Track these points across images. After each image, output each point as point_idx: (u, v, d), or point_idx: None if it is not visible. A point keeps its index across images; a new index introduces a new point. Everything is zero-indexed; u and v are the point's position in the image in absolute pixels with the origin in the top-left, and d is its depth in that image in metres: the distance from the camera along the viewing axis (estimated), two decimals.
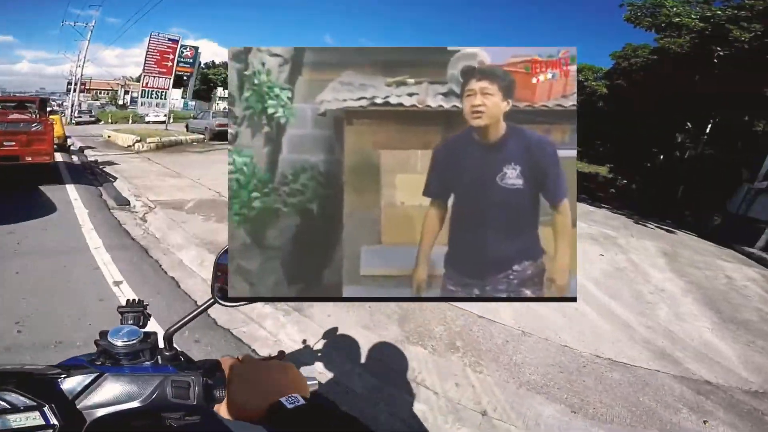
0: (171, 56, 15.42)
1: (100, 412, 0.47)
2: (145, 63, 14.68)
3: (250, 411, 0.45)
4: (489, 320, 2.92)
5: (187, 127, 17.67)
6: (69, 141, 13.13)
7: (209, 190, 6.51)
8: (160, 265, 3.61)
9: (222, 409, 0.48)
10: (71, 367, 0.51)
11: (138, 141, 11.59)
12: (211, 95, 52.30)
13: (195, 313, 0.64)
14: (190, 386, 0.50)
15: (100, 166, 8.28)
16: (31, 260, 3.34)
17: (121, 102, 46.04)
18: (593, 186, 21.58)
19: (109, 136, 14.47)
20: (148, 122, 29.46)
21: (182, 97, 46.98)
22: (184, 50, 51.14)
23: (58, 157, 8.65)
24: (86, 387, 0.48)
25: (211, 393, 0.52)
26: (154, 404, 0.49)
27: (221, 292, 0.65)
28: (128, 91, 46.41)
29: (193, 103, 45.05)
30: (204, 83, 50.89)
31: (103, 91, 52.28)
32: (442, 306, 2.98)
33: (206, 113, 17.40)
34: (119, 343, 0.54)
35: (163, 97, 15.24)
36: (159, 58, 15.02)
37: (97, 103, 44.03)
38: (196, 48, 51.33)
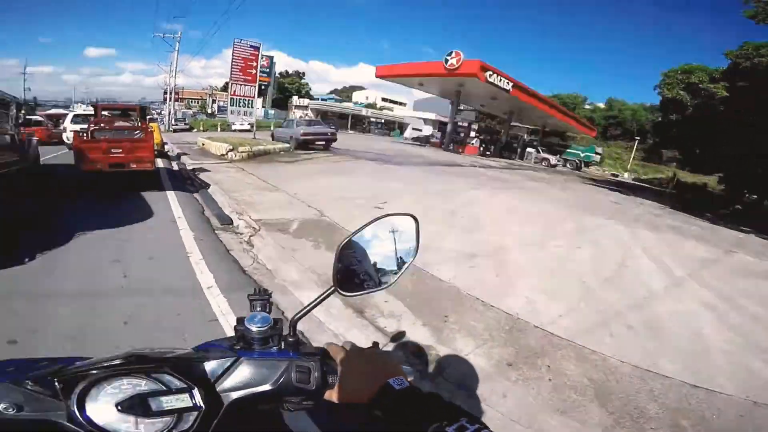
0: (254, 63, 14.95)
1: (235, 395, 0.50)
2: (231, 71, 14.39)
3: (359, 394, 0.48)
4: (707, 390, 2.37)
5: (272, 136, 17.55)
6: (167, 147, 13.79)
7: (309, 207, 5.84)
8: (283, 312, 2.82)
9: (333, 394, 0.52)
10: (211, 350, 0.55)
11: (230, 150, 11.69)
12: (288, 103, 53.52)
13: (317, 300, 0.59)
14: (310, 371, 0.52)
15: (199, 176, 8.09)
16: (139, 303, 2.74)
17: (209, 111, 48.65)
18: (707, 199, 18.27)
19: (203, 144, 14.76)
20: (235, 130, 30.91)
21: (262, 106, 48.73)
22: (261, 60, 54.92)
23: (159, 162, 8.76)
24: (225, 370, 0.51)
25: (325, 378, 0.53)
26: (280, 388, 0.51)
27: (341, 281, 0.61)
28: (215, 100, 49.13)
29: (272, 111, 46.66)
30: (280, 92, 53.21)
31: (193, 100, 55.61)
32: (639, 373, 2.49)
33: (291, 122, 16.98)
34: (254, 328, 0.55)
35: (249, 105, 15.00)
36: (243, 65, 14.60)
37: (190, 111, 46.73)
38: (271, 57, 47.60)
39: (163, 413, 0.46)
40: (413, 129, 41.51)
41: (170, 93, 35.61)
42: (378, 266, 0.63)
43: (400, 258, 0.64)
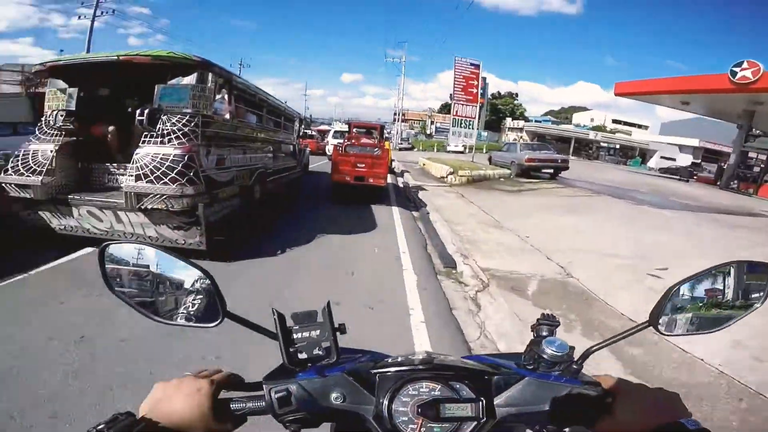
0: (474, 82, 14.41)
1: (510, 411, 0.51)
2: (453, 90, 14.15)
3: (636, 429, 0.47)
4: None
5: (490, 159, 16.45)
6: (393, 164, 15.25)
7: (548, 260, 4.35)
8: None
9: (607, 425, 0.49)
10: (500, 366, 0.57)
11: (450, 173, 11.28)
12: (501, 126, 52.00)
13: (624, 334, 0.55)
14: (590, 399, 0.51)
15: (420, 197, 7.96)
16: None
17: (428, 131, 51.92)
18: None
19: (423, 164, 14.80)
20: (450, 152, 31.73)
21: (476, 128, 50.44)
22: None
23: (388, 178, 9.32)
24: (509, 386, 0.53)
25: (601, 407, 0.51)
26: (556, 411, 0.50)
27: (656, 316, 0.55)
28: (433, 122, 52.61)
29: (485, 133, 46.84)
30: (492, 113, 51.47)
31: (415, 121, 60.94)
32: None
33: (512, 146, 15.30)
34: (550, 351, 0.55)
35: (470, 126, 14.49)
36: (464, 84, 14.25)
37: (413, 131, 51.32)
38: (484, 78, 53.61)
39: (447, 419, 0.49)
40: (662, 158, 33.06)
41: (398, 114, 40.48)
42: (707, 311, 0.57)
43: (736, 307, 0.56)
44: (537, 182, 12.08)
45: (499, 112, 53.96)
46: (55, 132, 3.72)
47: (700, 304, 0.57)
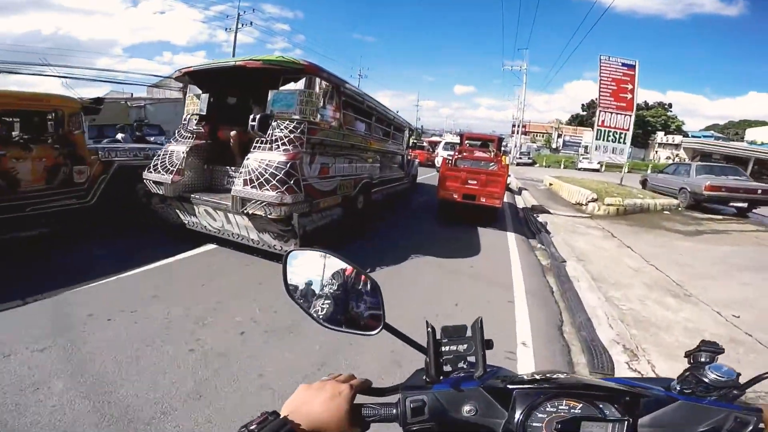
0: (629, 86, 11.43)
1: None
2: (599, 95, 11.48)
3: None
4: None
5: (644, 183, 12.78)
6: (508, 179, 13.61)
7: None
8: None
9: None
10: (648, 388, 0.55)
11: (593, 200, 8.59)
12: (649, 141, 43.51)
13: None
14: (749, 425, 0.48)
15: (551, 234, 5.97)
16: None
17: (554, 145, 45.62)
18: None
19: (550, 185, 12.51)
20: (579, 169, 28.12)
21: (628, 142, 42.77)
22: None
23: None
24: (657, 408, 0.51)
25: None
26: None
27: None
28: (560, 134, 46.07)
29: (629, 149, 39.03)
30: (639, 126, 43.36)
31: (538, 134, 53.92)
32: None
33: (683, 167, 11.26)
34: (713, 376, 0.53)
35: (621, 140, 11.60)
36: (615, 88, 11.42)
37: (534, 145, 45.72)
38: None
39: None
40: None
41: (518, 126, 35.72)
42: None
43: None
44: (721, 220, 8.69)
45: (647, 125, 44.35)
46: (188, 135, 4.07)
47: None
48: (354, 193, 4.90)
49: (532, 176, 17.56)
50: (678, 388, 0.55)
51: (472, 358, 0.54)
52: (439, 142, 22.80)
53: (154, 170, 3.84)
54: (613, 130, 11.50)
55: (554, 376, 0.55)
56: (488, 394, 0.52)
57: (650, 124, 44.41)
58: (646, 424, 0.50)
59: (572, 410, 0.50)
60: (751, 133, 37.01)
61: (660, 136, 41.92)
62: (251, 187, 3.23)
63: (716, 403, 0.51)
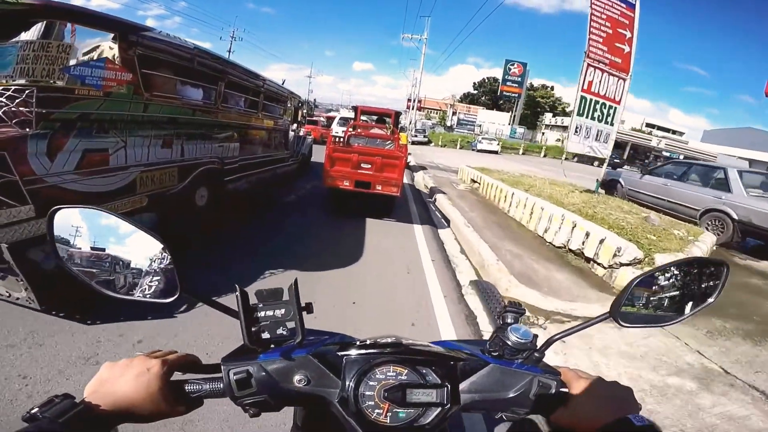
0: (627, 34, 6.91)
1: (472, 397, 0.52)
2: (588, 39, 6.49)
3: (589, 423, 0.48)
4: None
5: (607, 186, 8.93)
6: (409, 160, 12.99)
7: None
8: None
9: (561, 417, 0.51)
10: (465, 352, 0.57)
11: (636, 262, 3.84)
12: (537, 122, 45.14)
13: (585, 325, 0.58)
14: (549, 389, 0.52)
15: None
16: None
17: (449, 123, 42.98)
18: None
19: (474, 182, 9.11)
20: (478, 150, 26.49)
21: (508, 123, 42.13)
22: (511, 67, 42.11)
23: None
24: (473, 373, 0.53)
25: (558, 398, 0.53)
26: (516, 399, 0.52)
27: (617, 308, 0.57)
28: (455, 112, 44.49)
29: (521, 130, 40.12)
30: (528, 107, 45.50)
31: (433, 111, 51.65)
32: None
33: (703, 171, 7.16)
34: (515, 338, 0.56)
35: (607, 116, 6.95)
36: (611, 33, 6.71)
37: (429, 122, 42.62)
38: (525, 64, 42.21)
39: (413, 404, 0.49)
40: None
41: (413, 101, 32.10)
42: (663, 305, 0.59)
43: (692, 303, 0.59)
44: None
45: (537, 106, 46.86)
46: None
47: (658, 297, 0.59)
48: (182, 186, 3.56)
49: (436, 160, 16.10)
50: (490, 351, 0.58)
51: (291, 324, 0.52)
52: (335, 117, 20.35)
53: None
54: (602, 101, 6.81)
55: (384, 341, 0.54)
56: (319, 363, 0.50)
57: (539, 105, 46.79)
58: (465, 390, 0.52)
59: (399, 376, 0.50)
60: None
61: (548, 117, 43.69)
62: None
63: (522, 366, 0.55)
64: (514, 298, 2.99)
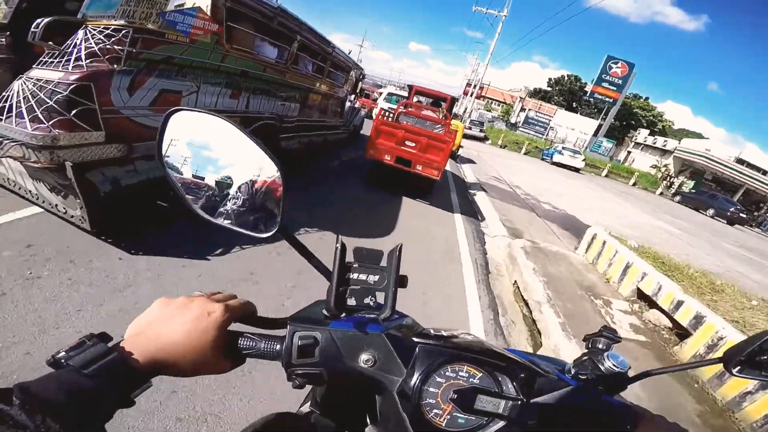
0: None
1: (541, 411, 0.49)
2: None
3: None
4: None
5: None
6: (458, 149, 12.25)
7: None
8: None
9: None
10: (546, 367, 0.53)
11: None
12: (626, 137, 35.69)
13: (690, 365, 0.57)
14: (626, 423, 0.51)
15: None
16: None
17: (513, 119, 36.10)
18: None
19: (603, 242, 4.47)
20: (553, 163, 20.44)
21: (593, 133, 33.21)
22: (612, 65, 31.68)
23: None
24: (548, 391, 0.49)
25: None
26: (584, 422, 0.50)
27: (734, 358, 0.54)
28: (524, 108, 36.10)
29: (609, 144, 31.35)
30: (619, 118, 35.71)
31: (495, 102, 44.10)
32: None
33: None
34: (609, 364, 0.54)
35: None
36: None
37: (489, 114, 36.62)
38: (632, 65, 31.66)
39: (477, 412, 0.45)
40: None
41: (475, 86, 26.18)
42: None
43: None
44: None
45: (631, 118, 37.38)
46: None
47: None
48: None
49: (506, 174, 11.33)
50: (573, 372, 0.56)
51: (380, 295, 0.46)
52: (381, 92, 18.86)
53: None
54: None
55: (459, 336, 0.50)
56: (390, 344, 0.45)
57: (635, 118, 37.48)
58: (537, 405, 0.48)
59: (471, 378, 0.47)
60: (686, 144, 32.32)
61: (643, 134, 33.32)
62: (6, 119, 2.04)
63: (604, 395, 0.53)
64: None
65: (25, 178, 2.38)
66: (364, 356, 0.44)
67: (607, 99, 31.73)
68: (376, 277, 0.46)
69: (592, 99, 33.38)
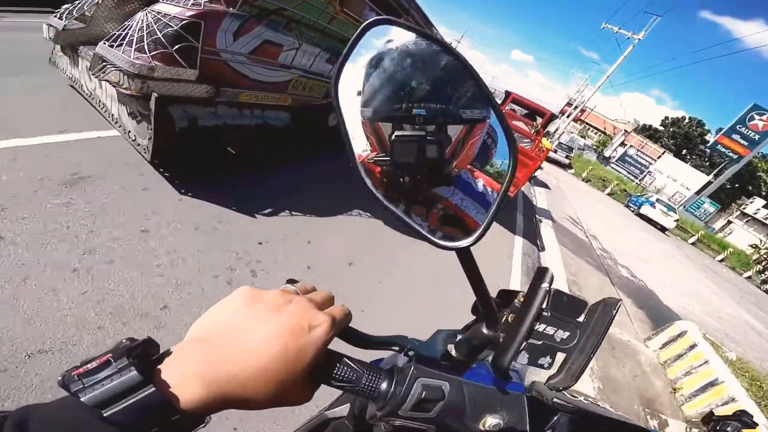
0: None
1: None
2: None
3: None
4: None
5: None
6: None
7: None
8: None
9: None
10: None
11: None
12: (734, 203, 29.30)
13: None
14: None
15: None
16: None
17: (607, 153, 32.69)
18: None
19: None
20: (639, 215, 17.66)
21: (697, 191, 27.86)
22: (756, 116, 25.49)
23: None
24: None
25: None
26: None
27: None
28: (625, 144, 32.05)
29: (711, 208, 26.14)
30: (734, 179, 28.34)
31: (593, 130, 40.61)
32: None
33: None
34: None
35: None
36: None
37: (582, 141, 33.03)
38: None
39: None
40: None
41: (575, 106, 23.71)
42: None
43: None
44: None
45: (750, 181, 30.39)
46: None
47: None
48: (324, 102, 3.68)
49: (577, 209, 10.48)
50: None
51: (561, 357, 0.35)
52: None
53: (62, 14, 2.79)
54: None
55: (599, 405, 0.47)
56: (528, 408, 0.37)
57: (756, 183, 30.13)
58: None
59: None
60: None
61: (757, 205, 26.39)
62: (117, 45, 2.11)
63: None
64: None
65: (113, 102, 2.52)
66: (491, 420, 0.35)
67: (730, 153, 25.95)
68: (566, 335, 0.36)
69: (710, 150, 27.81)
